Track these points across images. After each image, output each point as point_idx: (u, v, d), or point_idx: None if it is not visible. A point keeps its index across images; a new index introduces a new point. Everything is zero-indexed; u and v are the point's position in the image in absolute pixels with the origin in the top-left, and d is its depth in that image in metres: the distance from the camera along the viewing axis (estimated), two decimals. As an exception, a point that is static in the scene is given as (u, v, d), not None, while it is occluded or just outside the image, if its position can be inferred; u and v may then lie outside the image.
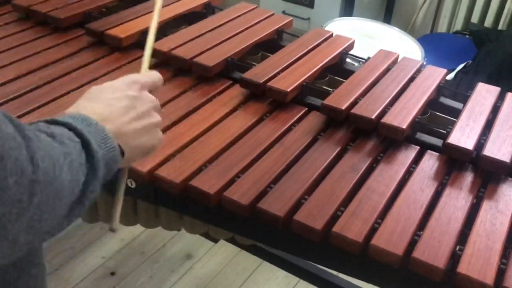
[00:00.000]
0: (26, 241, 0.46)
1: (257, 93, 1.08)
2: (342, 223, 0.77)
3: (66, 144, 0.51)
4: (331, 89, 1.09)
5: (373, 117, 0.97)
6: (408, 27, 2.70)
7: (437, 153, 0.94)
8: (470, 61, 2.21)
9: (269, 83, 1.06)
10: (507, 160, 0.88)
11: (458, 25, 2.58)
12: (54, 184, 0.47)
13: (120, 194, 0.66)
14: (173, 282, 1.76)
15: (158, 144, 0.64)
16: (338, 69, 1.22)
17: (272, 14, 1.38)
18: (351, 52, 1.27)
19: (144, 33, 1.24)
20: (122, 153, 0.59)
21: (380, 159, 0.93)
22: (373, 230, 0.77)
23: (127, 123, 0.60)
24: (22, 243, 0.46)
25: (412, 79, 1.12)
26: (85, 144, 0.53)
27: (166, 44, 1.19)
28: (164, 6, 1.38)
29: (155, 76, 0.68)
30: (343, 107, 0.99)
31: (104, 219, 1.14)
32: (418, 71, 1.16)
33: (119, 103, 0.60)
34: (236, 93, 1.09)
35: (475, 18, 2.51)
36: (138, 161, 0.87)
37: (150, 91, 0.66)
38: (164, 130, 0.96)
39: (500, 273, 0.72)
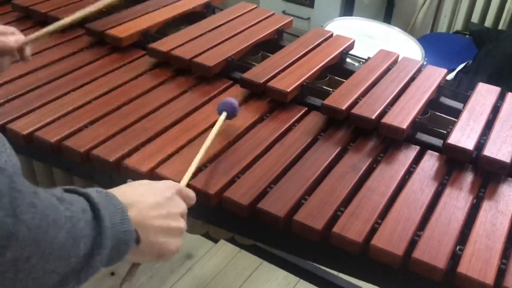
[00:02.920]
0: None
1: (257, 93, 1.07)
2: (342, 223, 0.77)
3: (73, 211, 0.50)
4: (331, 89, 1.09)
5: (373, 117, 0.97)
6: (408, 27, 2.70)
7: (437, 153, 0.94)
8: (470, 61, 2.21)
9: (269, 83, 1.06)
10: (507, 160, 0.88)
11: (458, 25, 2.58)
12: (43, 244, 0.45)
13: (129, 283, 0.63)
14: (173, 282, 1.75)
15: (175, 251, 0.63)
16: (338, 69, 1.22)
17: (272, 14, 1.38)
18: (351, 52, 1.27)
19: (143, 33, 1.25)
20: (138, 241, 0.58)
21: (380, 159, 0.93)
22: (373, 230, 0.77)
23: (153, 218, 0.60)
24: None
25: (412, 79, 1.12)
26: (98, 218, 0.52)
27: (166, 44, 1.19)
28: (164, 6, 1.39)
29: (192, 193, 0.70)
30: (343, 107, 0.99)
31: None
32: (418, 71, 1.16)
33: (151, 198, 0.61)
34: (236, 93, 1.09)
35: (475, 18, 2.51)
36: (140, 161, 0.87)
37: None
38: (164, 130, 0.96)
39: (500, 273, 0.72)
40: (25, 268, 0.44)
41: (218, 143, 0.93)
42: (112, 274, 1.77)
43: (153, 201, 0.61)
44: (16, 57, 0.86)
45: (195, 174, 0.80)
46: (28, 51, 0.84)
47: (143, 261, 0.62)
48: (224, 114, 0.92)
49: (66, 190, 0.53)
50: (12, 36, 0.83)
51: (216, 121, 0.90)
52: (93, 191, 0.54)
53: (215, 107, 1.04)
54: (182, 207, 0.65)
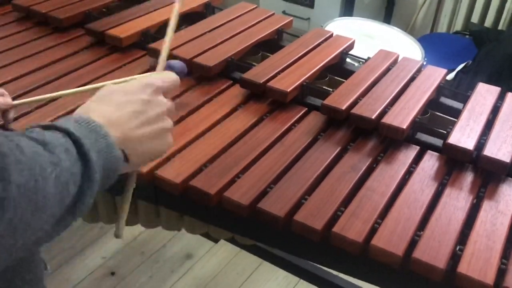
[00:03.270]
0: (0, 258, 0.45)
1: (257, 93, 1.07)
2: (342, 223, 0.77)
3: (58, 153, 0.49)
4: (331, 89, 1.09)
5: (373, 117, 0.97)
6: (408, 27, 2.70)
7: (437, 153, 0.94)
8: (470, 61, 2.21)
9: (269, 83, 1.06)
10: (507, 160, 0.88)
11: (458, 25, 2.58)
12: (34, 197, 0.46)
13: (127, 199, 0.65)
14: (173, 282, 1.76)
15: (167, 149, 0.63)
16: (338, 69, 1.22)
17: (272, 14, 1.38)
18: (351, 52, 1.27)
19: (143, 33, 1.25)
20: (127, 159, 0.58)
21: (380, 159, 0.93)
22: (373, 230, 0.77)
23: (135, 128, 0.58)
24: None
25: (412, 79, 1.12)
26: (82, 153, 0.52)
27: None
28: (164, 6, 1.39)
29: (170, 78, 0.66)
30: (343, 107, 0.99)
31: (104, 219, 1.14)
32: (418, 71, 1.16)
33: (129, 107, 0.59)
34: (236, 93, 1.09)
35: (475, 18, 2.51)
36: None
37: (165, 94, 0.64)
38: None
39: (500, 273, 0.72)
40: (21, 225, 0.45)
41: (218, 143, 0.93)
42: (112, 274, 1.77)
43: (132, 111, 0.59)
44: None
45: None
46: (11, 115, 0.87)
47: (138, 168, 0.62)
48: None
49: (45, 127, 0.53)
50: (1, 98, 0.86)
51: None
52: (72, 123, 0.54)
53: (215, 107, 1.04)
54: (163, 105, 0.62)
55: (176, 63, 0.99)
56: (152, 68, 1.17)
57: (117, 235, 0.63)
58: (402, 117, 0.97)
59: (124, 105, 0.59)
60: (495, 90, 1.10)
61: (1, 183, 0.43)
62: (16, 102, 0.90)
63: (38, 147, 0.49)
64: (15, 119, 0.97)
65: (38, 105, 1.01)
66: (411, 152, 0.94)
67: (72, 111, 1.00)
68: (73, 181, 0.50)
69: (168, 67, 0.99)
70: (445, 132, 0.96)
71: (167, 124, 0.62)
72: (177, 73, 0.95)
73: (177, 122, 0.99)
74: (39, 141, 0.49)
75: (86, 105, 0.59)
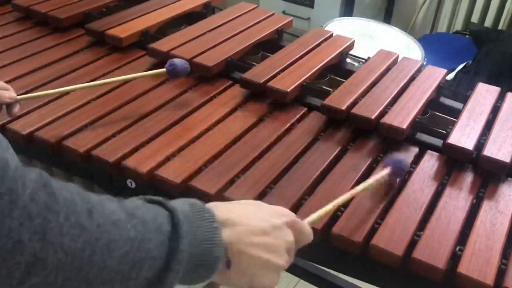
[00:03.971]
0: None
1: (257, 93, 1.07)
2: (342, 223, 0.77)
3: (140, 231, 0.45)
4: (331, 89, 1.09)
5: (373, 117, 0.97)
6: (408, 27, 2.70)
7: (437, 153, 0.94)
8: (470, 61, 2.21)
9: (269, 83, 1.06)
10: (507, 160, 0.88)
11: (458, 25, 2.58)
12: (85, 268, 0.42)
13: None
14: (173, 282, 1.75)
15: (268, 286, 0.55)
16: (338, 69, 1.22)
17: (272, 14, 1.38)
18: (351, 52, 1.27)
19: (143, 33, 1.25)
20: (228, 266, 0.53)
21: (380, 159, 0.93)
22: (373, 230, 0.77)
23: (251, 245, 0.53)
24: None
25: (412, 79, 1.12)
26: (175, 240, 0.47)
27: (166, 44, 1.19)
28: (164, 6, 1.39)
29: (309, 231, 0.61)
30: (343, 107, 0.99)
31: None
32: (418, 71, 1.16)
33: (256, 221, 0.54)
34: (236, 93, 1.09)
35: (475, 18, 2.51)
36: (140, 161, 0.87)
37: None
38: (164, 130, 0.96)
39: (500, 273, 0.72)
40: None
41: (218, 143, 0.93)
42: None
43: (257, 226, 0.53)
44: (2, 111, 0.89)
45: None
46: (16, 109, 0.88)
47: (229, 286, 0.56)
48: (388, 169, 0.83)
49: (151, 201, 0.49)
50: (6, 92, 0.87)
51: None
52: (186, 204, 0.50)
53: (215, 107, 1.04)
54: (289, 241, 0.56)
55: (179, 61, 1.02)
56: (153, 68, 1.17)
57: None
58: (402, 117, 0.97)
59: (252, 216, 0.55)
60: (495, 90, 1.10)
61: (40, 243, 0.39)
62: (20, 96, 0.90)
63: (120, 216, 0.45)
64: (15, 119, 0.97)
65: (38, 104, 1.01)
66: (411, 152, 0.94)
67: (72, 111, 1.01)
68: (149, 265, 0.46)
69: (171, 64, 1.00)
70: (445, 132, 0.96)
71: (282, 261, 0.56)
72: (180, 72, 0.97)
73: (177, 122, 0.99)
74: (128, 211, 0.46)
75: (219, 202, 0.55)
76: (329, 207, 0.69)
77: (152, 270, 0.46)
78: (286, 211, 0.60)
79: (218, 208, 0.52)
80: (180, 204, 0.50)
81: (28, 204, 0.38)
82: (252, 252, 0.53)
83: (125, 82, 1.09)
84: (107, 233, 0.43)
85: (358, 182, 0.86)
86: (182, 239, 0.47)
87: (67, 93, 1.04)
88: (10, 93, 0.88)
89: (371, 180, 0.78)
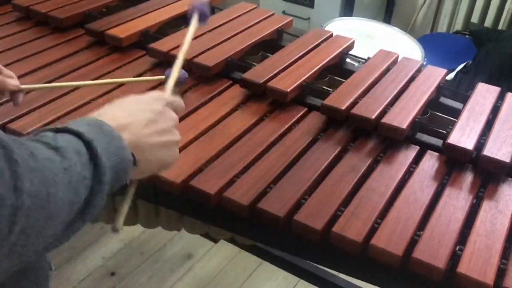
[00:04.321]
0: (10, 265, 0.45)
1: (257, 93, 1.07)
2: (342, 223, 0.77)
3: (70, 158, 0.50)
4: (331, 89, 1.09)
5: (373, 117, 0.97)
6: (408, 27, 2.70)
7: (437, 153, 0.94)
8: (470, 61, 2.21)
9: (269, 83, 1.06)
10: (507, 160, 0.88)
11: (458, 25, 2.58)
12: (46, 205, 0.46)
13: (128, 200, 0.64)
14: (173, 282, 1.75)
15: (173, 162, 0.64)
16: (338, 69, 1.22)
17: (272, 14, 1.39)
18: (351, 52, 1.27)
19: (143, 33, 1.25)
20: (135, 163, 0.58)
21: (380, 159, 0.93)
22: (373, 230, 0.77)
23: (147, 135, 0.59)
24: (5, 268, 0.44)
25: (412, 79, 1.12)
26: (93, 156, 0.52)
27: (166, 44, 1.19)
28: (164, 6, 1.39)
29: (181, 102, 0.68)
30: (343, 107, 0.99)
31: (104, 219, 1.14)
32: (418, 71, 1.16)
33: (142, 115, 0.60)
34: (236, 93, 1.09)
35: (475, 18, 2.51)
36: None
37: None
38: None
39: (500, 273, 0.72)
40: (33, 233, 0.45)
41: (218, 143, 0.93)
42: (112, 274, 1.77)
43: (144, 118, 0.60)
44: (6, 97, 0.90)
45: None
46: (20, 97, 0.88)
47: (144, 176, 0.63)
48: (195, 17, 0.88)
49: (57, 130, 0.53)
50: (11, 80, 0.87)
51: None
52: (85, 126, 0.54)
53: (215, 107, 1.04)
54: (174, 118, 0.64)
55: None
56: (151, 68, 1.17)
57: (114, 229, 0.63)
58: (402, 117, 0.97)
59: (137, 112, 0.60)
60: (495, 90, 1.10)
61: (14, 193, 0.43)
62: (24, 86, 0.90)
63: (50, 152, 0.49)
64: (15, 119, 0.97)
65: (38, 104, 1.01)
66: (411, 152, 0.94)
67: (73, 111, 1.01)
68: (84, 185, 0.50)
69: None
70: (445, 132, 0.96)
71: (176, 137, 0.64)
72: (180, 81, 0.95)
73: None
74: (51, 146, 0.50)
75: (98, 111, 0.59)
76: (180, 58, 0.77)
77: (87, 189, 0.51)
78: (159, 94, 0.66)
79: (106, 117, 0.57)
80: (81, 126, 0.54)
81: None
82: (149, 141, 0.59)
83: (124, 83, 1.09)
84: (48, 170, 0.47)
85: (358, 182, 0.87)
86: (100, 155, 0.52)
87: (71, 89, 1.04)
88: (14, 81, 0.87)
89: (190, 33, 0.84)
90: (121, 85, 1.09)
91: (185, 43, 0.81)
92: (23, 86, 0.89)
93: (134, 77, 1.13)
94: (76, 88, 1.07)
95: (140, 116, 0.60)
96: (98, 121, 0.56)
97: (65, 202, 0.48)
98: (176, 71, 0.76)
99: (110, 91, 1.07)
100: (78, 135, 0.53)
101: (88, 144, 0.52)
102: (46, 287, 0.67)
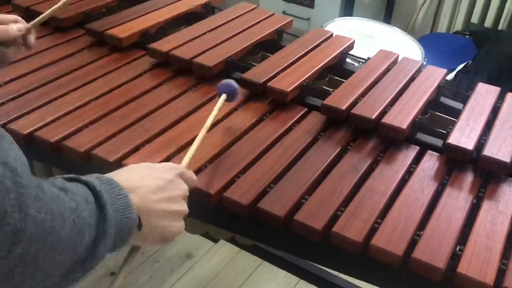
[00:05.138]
0: None
1: (257, 93, 1.07)
2: (342, 223, 0.77)
3: (77, 201, 0.50)
4: (331, 89, 1.09)
5: (373, 117, 0.97)
6: (408, 27, 2.70)
7: (437, 153, 0.94)
8: (470, 61, 2.21)
9: (269, 83, 1.06)
10: (507, 160, 0.88)
11: (458, 25, 2.58)
12: (50, 237, 0.45)
13: (126, 267, 0.64)
14: (173, 282, 1.75)
15: (177, 233, 0.64)
16: (338, 69, 1.22)
17: (272, 14, 1.38)
18: (351, 52, 1.27)
19: (143, 33, 1.25)
20: (140, 227, 0.58)
21: (380, 159, 0.93)
22: (373, 230, 0.77)
23: (154, 201, 0.60)
24: None
25: (412, 79, 1.12)
26: (100, 206, 0.52)
27: (166, 44, 1.19)
28: (164, 6, 1.39)
29: (193, 175, 0.70)
30: (343, 107, 0.99)
31: None
32: (418, 71, 1.16)
33: (153, 181, 0.61)
34: (236, 93, 1.09)
35: (475, 18, 2.51)
36: (140, 161, 0.87)
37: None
38: (164, 130, 0.96)
39: (500, 273, 0.72)
40: (33, 262, 0.45)
41: (219, 143, 0.93)
42: (112, 274, 1.77)
43: (154, 185, 0.60)
44: (19, 45, 0.86)
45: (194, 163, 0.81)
46: (31, 38, 0.85)
47: (145, 245, 0.63)
48: (223, 96, 0.90)
49: (68, 179, 0.53)
50: (15, 24, 0.84)
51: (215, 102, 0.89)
52: (95, 179, 0.54)
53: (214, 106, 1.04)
54: (183, 189, 0.65)
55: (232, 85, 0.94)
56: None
57: None
58: (402, 117, 0.97)
59: (148, 178, 0.61)
60: (495, 90, 1.10)
61: (19, 214, 0.42)
62: (30, 24, 0.87)
63: (58, 192, 0.49)
64: (15, 119, 0.97)
65: (38, 104, 1.01)
66: (411, 152, 0.94)
67: (72, 111, 1.01)
68: (88, 232, 0.50)
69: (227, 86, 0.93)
70: (445, 132, 0.96)
71: (183, 207, 0.64)
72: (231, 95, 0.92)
73: (177, 122, 0.99)
74: (60, 187, 0.50)
75: (111, 173, 0.60)
76: (193, 149, 0.78)
77: (91, 236, 0.51)
78: (172, 165, 0.68)
79: (118, 178, 0.57)
80: (91, 178, 0.55)
81: (3, 180, 0.42)
82: (156, 208, 0.60)
83: (127, 81, 1.09)
84: (56, 204, 0.47)
85: (358, 182, 0.87)
86: (107, 205, 0.52)
87: (71, 90, 1.04)
88: (18, 25, 0.85)
89: (215, 111, 0.86)
90: (120, 85, 1.10)
91: (209, 120, 0.84)
92: (30, 25, 0.86)
93: (133, 77, 1.13)
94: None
95: (150, 182, 0.61)
96: (108, 178, 0.56)
97: (69, 241, 0.48)
98: (195, 145, 0.78)
99: (109, 91, 1.08)
100: (87, 184, 0.53)
101: (96, 194, 0.52)
102: None
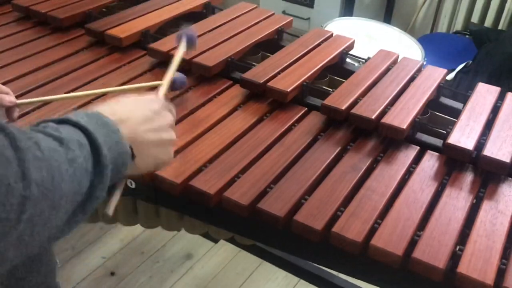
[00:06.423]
0: (16, 255, 0.45)
1: (257, 93, 1.07)
2: (342, 223, 0.77)
3: (73, 149, 0.50)
4: (331, 89, 1.09)
5: (373, 117, 0.97)
6: (408, 27, 2.70)
7: (437, 153, 0.94)
8: (470, 61, 2.21)
9: (269, 83, 1.06)
10: (507, 160, 0.88)
11: (458, 25, 2.58)
12: (52, 195, 0.46)
13: (119, 190, 0.65)
14: (173, 282, 1.75)
15: (168, 161, 0.66)
16: (338, 69, 1.22)
17: (272, 14, 1.38)
18: (351, 52, 1.27)
19: (143, 33, 1.25)
20: (132, 157, 0.59)
21: (380, 159, 0.93)
22: (373, 230, 0.77)
23: (144, 132, 0.61)
24: (11, 257, 0.45)
25: (412, 79, 1.12)
26: (94, 148, 0.53)
27: (166, 44, 1.19)
28: (164, 6, 1.39)
29: (172, 106, 0.71)
30: (343, 107, 0.99)
31: (104, 219, 1.15)
32: (418, 71, 1.16)
33: (140, 112, 0.62)
34: (236, 93, 1.09)
35: (475, 18, 2.51)
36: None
37: None
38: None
39: (500, 273, 0.72)
40: (40, 222, 0.46)
41: (218, 143, 0.93)
42: (112, 274, 1.77)
43: (142, 116, 0.62)
44: (2, 115, 0.89)
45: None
46: (16, 113, 0.89)
47: (139, 172, 0.64)
48: (183, 44, 0.94)
49: (59, 121, 0.54)
50: (6, 96, 0.88)
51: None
52: (84, 117, 0.55)
53: (215, 107, 1.04)
54: (170, 118, 0.67)
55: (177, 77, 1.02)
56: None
57: (105, 214, 0.63)
58: (402, 117, 0.97)
59: (135, 109, 0.62)
60: (495, 90, 1.10)
61: (22, 182, 0.43)
62: (20, 101, 0.91)
63: (54, 143, 0.49)
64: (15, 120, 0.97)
65: (38, 105, 1.01)
66: (411, 152, 0.94)
67: (72, 111, 1.00)
68: (86, 177, 0.51)
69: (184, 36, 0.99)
70: (445, 132, 0.96)
71: (172, 136, 0.66)
72: (178, 86, 0.98)
73: (177, 122, 0.99)
74: (55, 137, 0.50)
75: (97, 106, 0.60)
76: (166, 82, 0.81)
77: (88, 180, 0.52)
78: (155, 96, 0.69)
79: (105, 112, 0.58)
80: (81, 117, 0.55)
81: (4, 151, 0.43)
82: (146, 137, 0.61)
83: (127, 81, 1.09)
84: (53, 160, 0.47)
85: (358, 182, 0.87)
86: (101, 148, 0.53)
87: (71, 90, 1.04)
88: (10, 97, 0.89)
89: (176, 60, 0.89)
90: (120, 85, 1.09)
91: (174, 62, 0.88)
92: (18, 101, 0.90)
93: (133, 77, 1.13)
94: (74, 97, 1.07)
95: (138, 113, 0.62)
96: (97, 113, 0.57)
97: (69, 193, 0.49)
98: (168, 77, 0.81)
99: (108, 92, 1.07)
100: (79, 127, 0.53)
101: (89, 137, 0.53)
102: (54, 279, 0.68)
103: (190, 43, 0.96)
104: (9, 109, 0.88)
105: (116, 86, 1.09)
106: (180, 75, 1.02)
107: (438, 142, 0.97)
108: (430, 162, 0.92)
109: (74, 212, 0.51)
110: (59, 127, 0.52)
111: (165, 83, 0.80)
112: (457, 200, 0.83)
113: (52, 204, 0.47)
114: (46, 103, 1.01)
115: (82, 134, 0.53)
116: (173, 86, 0.99)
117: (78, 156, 0.50)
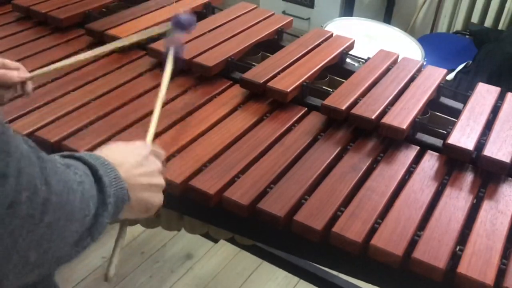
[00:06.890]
0: (36, 261, 0.47)
1: (257, 93, 1.07)
2: (342, 223, 0.77)
3: (80, 174, 0.54)
4: (331, 89, 1.09)
5: (373, 117, 0.97)
6: (408, 27, 2.70)
7: (437, 153, 0.94)
8: (470, 61, 2.21)
9: (269, 83, 1.06)
10: (507, 160, 0.88)
11: (458, 25, 2.58)
12: (66, 207, 0.49)
13: (119, 246, 0.69)
14: (173, 282, 1.75)
15: (158, 205, 0.68)
16: (338, 69, 1.22)
17: (272, 14, 1.38)
18: (351, 52, 1.27)
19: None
20: (128, 199, 0.62)
21: (380, 159, 0.93)
22: (373, 230, 0.77)
23: (137, 176, 0.64)
24: (33, 262, 0.47)
25: (412, 79, 1.12)
26: (98, 179, 0.56)
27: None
28: (164, 6, 1.39)
29: (161, 151, 0.73)
30: (343, 107, 0.99)
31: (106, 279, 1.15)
32: (418, 71, 1.16)
33: (132, 157, 0.65)
34: (236, 93, 1.09)
35: (475, 18, 2.51)
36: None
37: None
38: (165, 130, 0.96)
39: (500, 273, 0.72)
40: (57, 230, 0.48)
41: (218, 143, 0.93)
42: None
43: (134, 161, 0.65)
44: (18, 91, 0.90)
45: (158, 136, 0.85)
46: (29, 86, 0.89)
47: (132, 217, 0.67)
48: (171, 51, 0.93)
49: (64, 156, 0.57)
50: (16, 71, 0.89)
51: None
52: (85, 155, 0.58)
53: (215, 107, 1.04)
54: (158, 164, 0.69)
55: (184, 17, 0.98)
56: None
57: (106, 276, 0.66)
58: (402, 117, 0.97)
59: (127, 155, 0.65)
60: (495, 90, 1.10)
61: (45, 186, 0.46)
62: (30, 74, 0.90)
63: (63, 167, 0.52)
64: (15, 119, 0.97)
65: (38, 105, 1.01)
66: (411, 152, 0.94)
67: (72, 111, 1.01)
68: (92, 202, 0.54)
69: (176, 21, 0.97)
70: (445, 132, 0.96)
71: (161, 181, 0.68)
72: (186, 27, 0.95)
73: (177, 122, 0.99)
74: (62, 163, 0.53)
75: (97, 151, 0.64)
76: (153, 124, 0.81)
77: (94, 206, 0.55)
78: (143, 143, 0.72)
79: (101, 155, 0.61)
80: (82, 155, 0.58)
81: (30, 155, 0.46)
82: (140, 181, 0.64)
83: (127, 81, 1.09)
84: (66, 177, 0.51)
85: (358, 182, 0.87)
86: (104, 178, 0.57)
87: (71, 90, 1.04)
88: (19, 73, 0.89)
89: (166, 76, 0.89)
90: (120, 85, 1.09)
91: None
92: (28, 75, 0.89)
93: (133, 77, 1.13)
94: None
95: (130, 158, 0.65)
96: (96, 155, 0.60)
97: (80, 211, 0.52)
98: (154, 123, 0.82)
99: (109, 91, 1.08)
100: (83, 161, 0.57)
101: (91, 168, 0.56)
102: (52, 277, 0.68)
103: (185, 26, 0.94)
104: (23, 84, 0.89)
105: (116, 85, 1.09)
106: (186, 14, 0.97)
107: (438, 142, 0.97)
108: (430, 162, 0.92)
109: (82, 236, 0.53)
110: (64, 159, 0.56)
111: (151, 128, 0.81)
112: (457, 200, 0.83)
113: (67, 216, 0.49)
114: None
115: (85, 166, 0.56)
116: (180, 26, 0.96)
117: (84, 181, 0.54)
